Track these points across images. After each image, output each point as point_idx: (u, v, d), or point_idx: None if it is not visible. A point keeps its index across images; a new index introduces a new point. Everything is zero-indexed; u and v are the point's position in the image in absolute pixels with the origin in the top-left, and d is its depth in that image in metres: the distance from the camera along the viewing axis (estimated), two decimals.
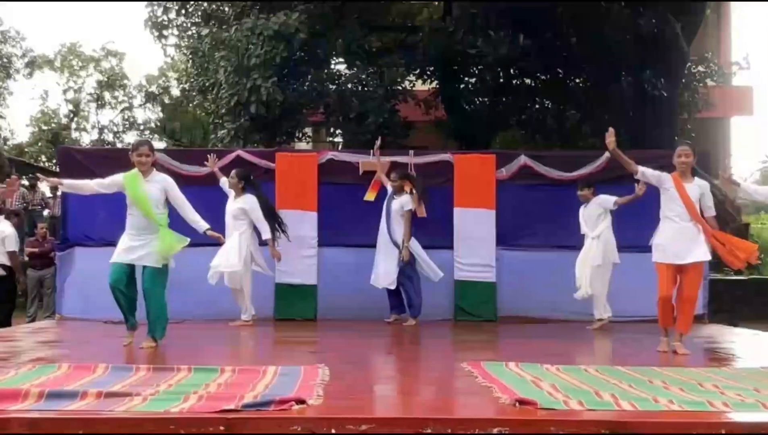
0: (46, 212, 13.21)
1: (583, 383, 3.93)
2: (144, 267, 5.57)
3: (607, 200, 7.30)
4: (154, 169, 5.72)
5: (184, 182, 7.88)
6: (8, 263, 8.94)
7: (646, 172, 5.78)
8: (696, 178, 5.70)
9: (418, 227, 7.81)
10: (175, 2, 14.49)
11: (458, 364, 4.74)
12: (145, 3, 14.89)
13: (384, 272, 7.59)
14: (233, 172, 7.55)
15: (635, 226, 6.98)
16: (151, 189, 5.56)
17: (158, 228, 5.52)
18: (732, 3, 19.75)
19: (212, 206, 7.79)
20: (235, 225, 7.33)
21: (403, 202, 7.62)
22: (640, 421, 3.25)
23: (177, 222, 5.79)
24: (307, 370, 4.27)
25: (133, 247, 5.51)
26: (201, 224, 5.73)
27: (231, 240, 7.17)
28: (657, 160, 8.20)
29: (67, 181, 6.07)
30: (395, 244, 7.58)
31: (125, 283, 5.53)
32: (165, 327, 5.73)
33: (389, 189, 7.81)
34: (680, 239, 5.52)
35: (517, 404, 3.38)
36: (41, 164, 25.32)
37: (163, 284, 5.67)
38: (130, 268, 5.58)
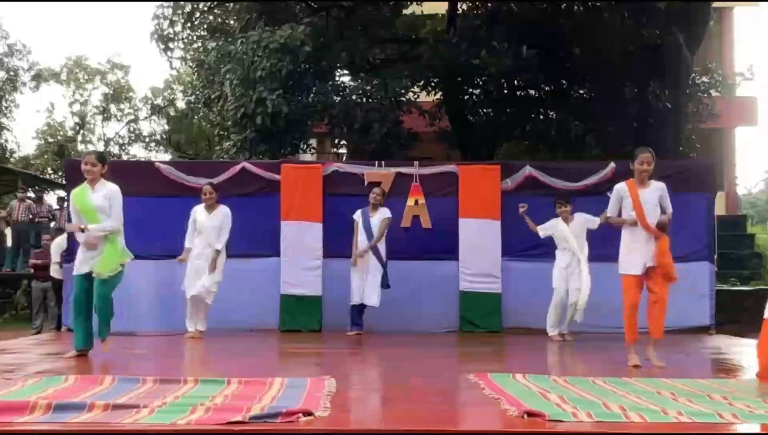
0: (53, 224, 13.26)
1: (592, 395, 3.91)
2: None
3: (593, 220, 7.22)
4: (103, 180, 5.65)
5: (189, 193, 7.96)
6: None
7: (612, 212, 5.65)
8: (653, 182, 5.59)
9: (423, 238, 7.81)
10: (181, 16, 14.58)
11: (465, 376, 4.73)
12: (151, 16, 15.01)
13: (373, 290, 7.59)
14: (209, 186, 7.42)
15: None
16: (97, 199, 5.56)
17: (104, 239, 5.53)
18: (735, 13, 19.80)
19: None
20: (214, 239, 7.28)
21: (384, 214, 7.77)
22: (650, 432, 3.23)
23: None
24: (314, 381, 4.27)
25: (87, 256, 5.56)
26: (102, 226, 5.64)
27: (221, 257, 7.28)
28: (661, 170, 8.23)
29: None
30: (380, 259, 7.65)
31: (87, 296, 5.56)
32: (109, 325, 5.76)
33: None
34: (638, 247, 5.46)
35: (526, 416, 3.37)
36: (47, 176, 25.43)
37: (112, 287, 5.63)
38: (90, 280, 5.57)
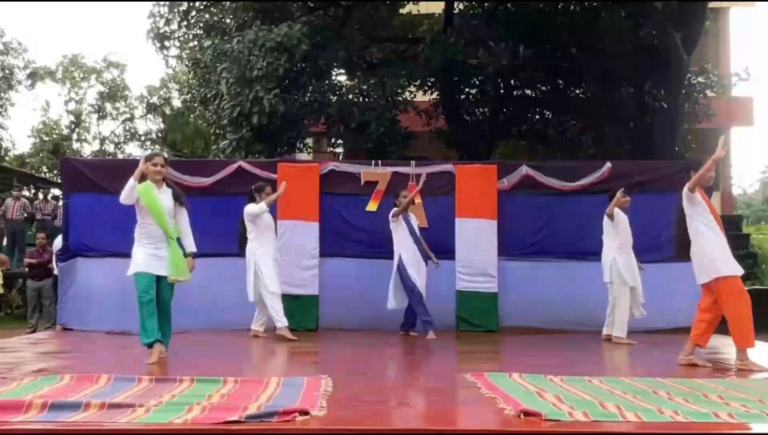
0: (55, 222, 13.20)
1: (588, 394, 3.91)
2: (162, 278, 5.55)
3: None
4: (164, 182, 5.75)
5: (185, 192, 7.91)
6: None
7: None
8: None
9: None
10: (177, 14, 14.55)
11: (461, 375, 4.73)
12: (147, 14, 14.99)
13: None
14: (263, 184, 7.46)
15: (649, 237, 6.94)
16: (165, 199, 5.64)
17: (169, 240, 5.56)
18: (731, 13, 19.85)
19: (213, 216, 7.81)
20: (276, 241, 7.43)
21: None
22: (646, 432, 3.23)
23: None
24: (310, 380, 4.26)
25: (155, 256, 5.53)
26: (190, 243, 5.75)
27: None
28: (657, 170, 8.26)
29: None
30: (426, 258, 7.61)
31: (153, 293, 5.51)
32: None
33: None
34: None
35: (522, 415, 3.36)
36: (42, 175, 25.36)
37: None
38: (155, 279, 5.55)
